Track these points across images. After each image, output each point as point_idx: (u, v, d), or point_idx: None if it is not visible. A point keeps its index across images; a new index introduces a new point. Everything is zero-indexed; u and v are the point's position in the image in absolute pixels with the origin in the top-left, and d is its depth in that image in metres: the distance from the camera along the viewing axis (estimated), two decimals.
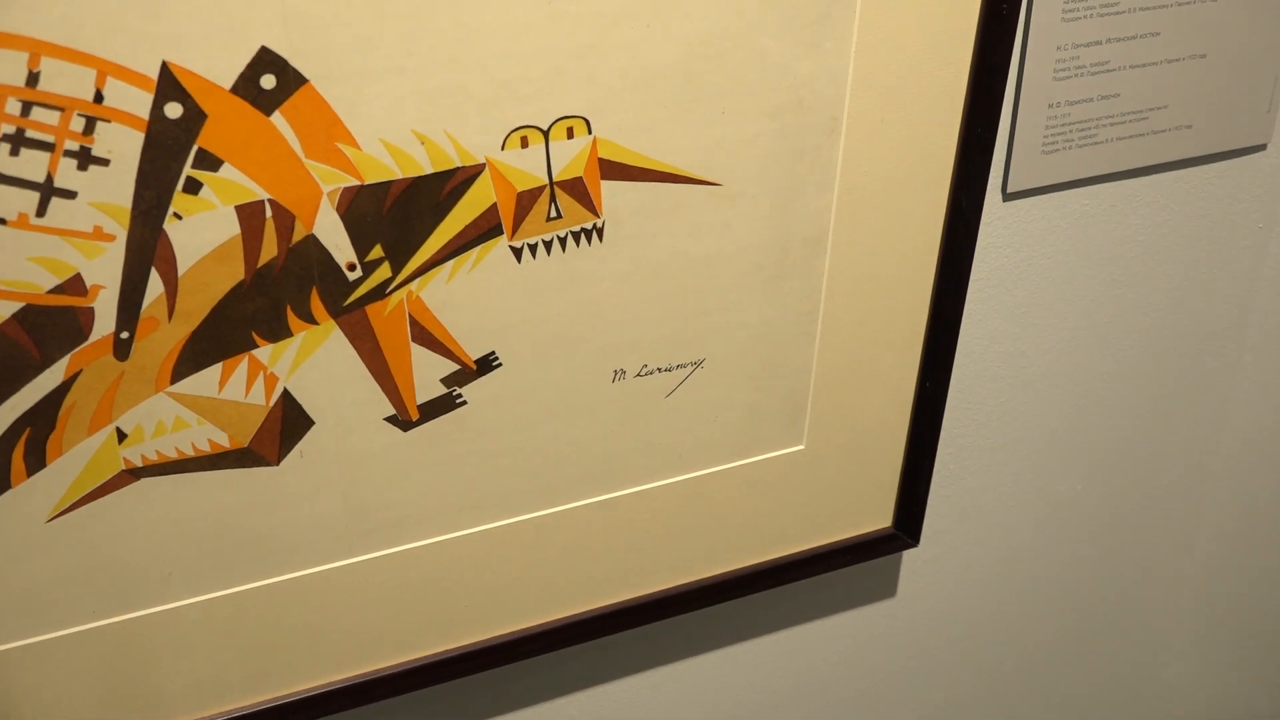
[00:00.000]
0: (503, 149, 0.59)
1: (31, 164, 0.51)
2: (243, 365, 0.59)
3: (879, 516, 0.85)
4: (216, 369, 0.59)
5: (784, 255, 0.69)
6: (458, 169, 0.58)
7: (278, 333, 0.59)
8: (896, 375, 0.78)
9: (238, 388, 0.60)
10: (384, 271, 0.60)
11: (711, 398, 0.73)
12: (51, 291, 0.54)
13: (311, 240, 0.57)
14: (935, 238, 0.74)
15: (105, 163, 0.52)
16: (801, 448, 0.78)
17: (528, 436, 0.69)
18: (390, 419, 0.64)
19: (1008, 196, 0.79)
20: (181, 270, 0.56)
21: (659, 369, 0.70)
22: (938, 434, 0.82)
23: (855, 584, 0.92)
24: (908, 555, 0.93)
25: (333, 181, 0.56)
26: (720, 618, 0.87)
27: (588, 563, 0.76)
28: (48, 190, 0.52)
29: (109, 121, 0.51)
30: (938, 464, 0.89)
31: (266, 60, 0.52)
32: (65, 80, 0.50)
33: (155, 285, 0.56)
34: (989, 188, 0.78)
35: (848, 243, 0.71)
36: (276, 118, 0.54)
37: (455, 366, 0.64)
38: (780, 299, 0.71)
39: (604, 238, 0.64)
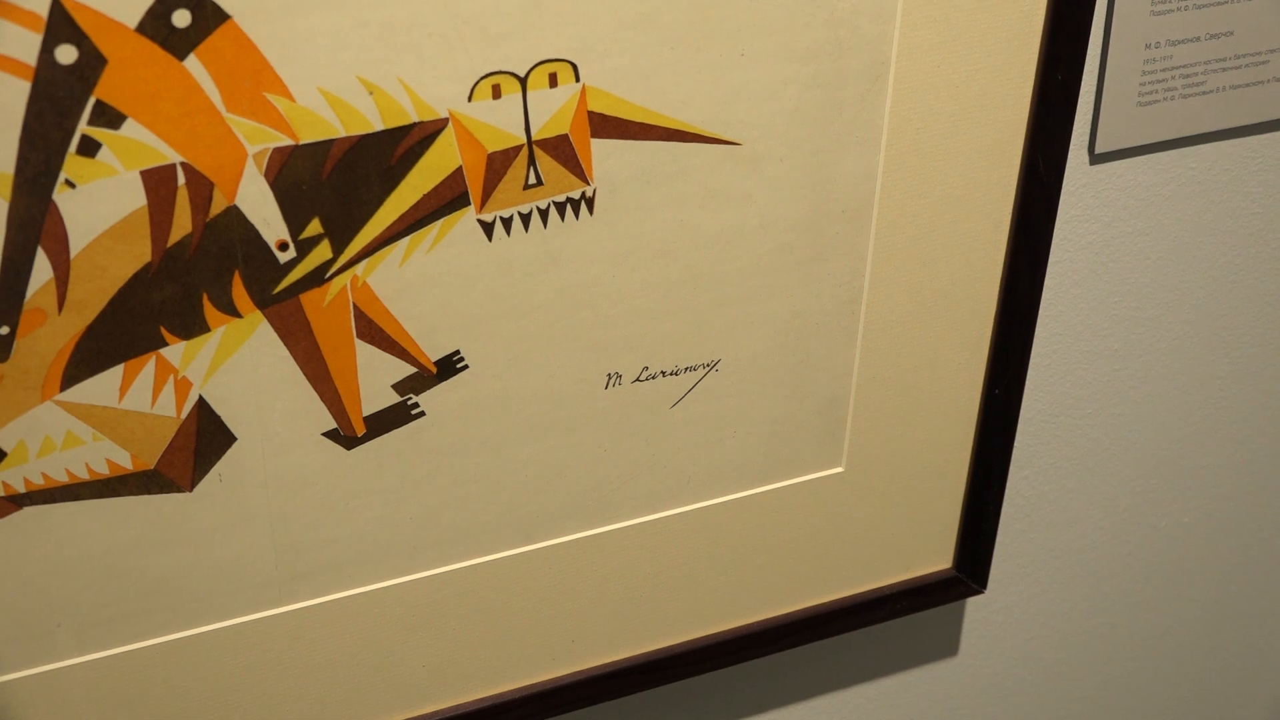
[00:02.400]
0: (470, 100, 0.60)
1: None
2: (148, 368, 0.60)
3: (936, 556, 0.86)
4: (116, 373, 0.60)
5: (818, 232, 0.71)
6: (414, 125, 0.59)
7: (192, 328, 0.60)
8: (958, 381, 0.80)
9: (142, 396, 0.61)
10: (323, 252, 0.61)
11: (728, 409, 0.74)
12: None
13: (234, 213, 0.58)
14: (1006, 210, 0.75)
15: None
16: (840, 471, 0.79)
17: (500, 457, 0.70)
18: (330, 434, 0.65)
19: (1096, 158, 0.80)
20: (74, 251, 0.57)
21: (663, 373, 0.71)
22: (1009, 454, 0.83)
23: (908, 639, 0.93)
24: (972, 604, 0.94)
25: (260, 141, 0.57)
26: (740, 681, 0.88)
27: (574, 614, 0.77)
28: None
29: None
30: (1009, 491, 0.90)
31: None
32: None
33: (42, 269, 0.57)
34: (1072, 148, 0.79)
35: (897, 216, 0.72)
36: (191, 62, 0.55)
37: (411, 369, 0.65)
38: (814, 286, 0.72)
39: (595, 210, 0.65)
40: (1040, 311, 0.83)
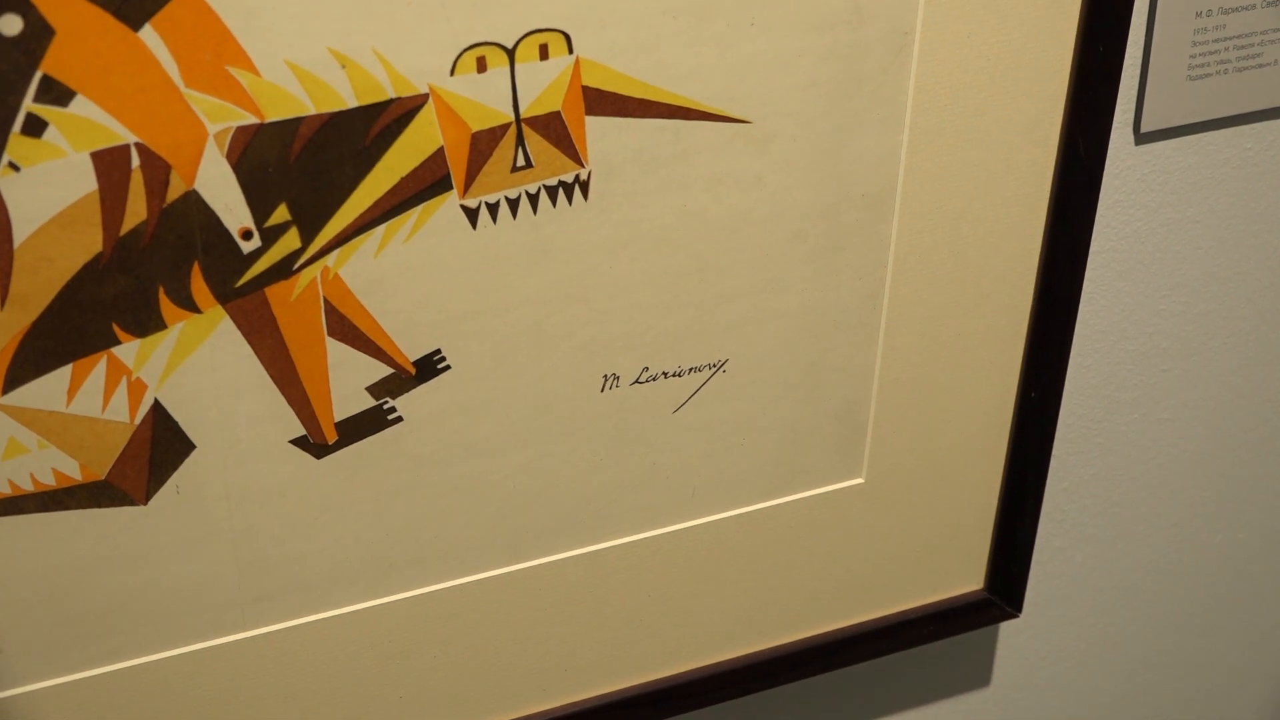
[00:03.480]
0: (452, 74, 0.60)
1: None
2: (99, 369, 0.61)
3: (966, 576, 0.86)
4: (64, 374, 0.60)
5: (836, 218, 0.71)
6: (391, 101, 0.60)
7: (147, 325, 0.61)
8: (990, 382, 0.80)
9: (92, 399, 0.61)
10: (291, 241, 0.61)
11: (736, 414, 0.74)
12: None
13: (193, 199, 0.59)
14: (1043, 195, 0.75)
15: None
16: (860, 481, 0.80)
17: (486, 467, 0.70)
18: (298, 442, 0.66)
19: (1141, 138, 0.81)
20: (18, 240, 0.57)
21: (664, 374, 0.72)
22: (1046, 462, 0.83)
23: (935, 668, 0.93)
24: (1006, 629, 0.94)
25: (222, 119, 0.58)
26: (749, 714, 0.88)
27: (568, 640, 0.77)
28: None
29: None
30: (1046, 505, 0.91)
31: None
32: None
33: None
34: (1116, 126, 0.79)
35: (922, 201, 0.73)
36: (147, 33, 0.55)
37: (387, 370, 0.66)
38: (831, 278, 0.73)
39: (590, 194, 0.65)
40: (1080, 306, 0.83)
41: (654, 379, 0.71)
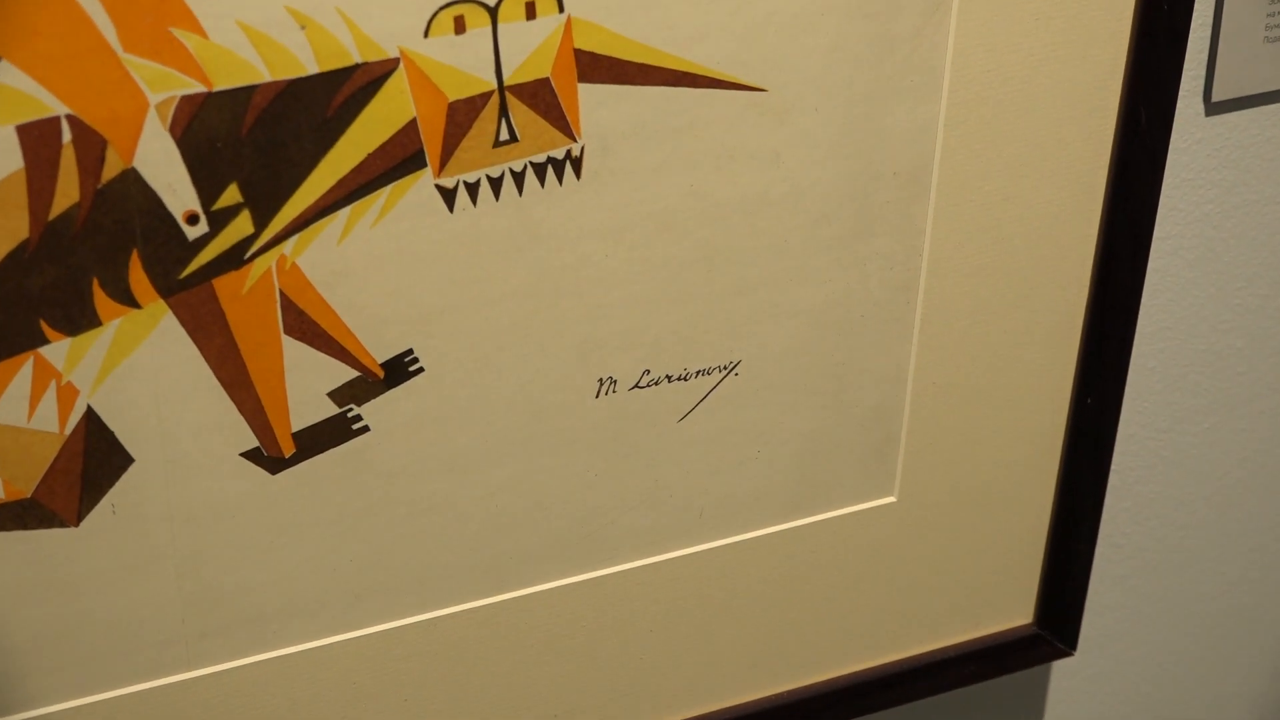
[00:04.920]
0: (426, 36, 0.60)
1: None
2: (24, 372, 0.61)
3: (1014, 609, 0.86)
4: None
5: (864, 200, 0.71)
6: (357, 67, 0.60)
7: (79, 322, 0.61)
8: (1040, 387, 0.80)
9: (17, 406, 0.61)
10: (242, 226, 0.61)
11: (750, 423, 0.75)
12: None
13: (132, 178, 0.59)
14: (1100, 173, 0.76)
15: None
16: (892, 500, 0.80)
17: (464, 483, 0.70)
18: (251, 455, 0.66)
19: (1212, 108, 0.81)
20: None
21: (668, 378, 0.72)
22: (1104, 479, 0.83)
23: (979, 713, 0.93)
24: (1058, 669, 0.94)
25: (165, 87, 0.58)
26: None
27: (559, 681, 0.77)
28: None
29: None
30: (1105, 527, 0.91)
31: None
32: None
33: None
34: (1183, 94, 0.79)
35: (962, 181, 0.73)
36: None
37: (352, 373, 0.66)
38: (857, 268, 0.73)
39: (583, 173, 0.65)
40: (1143, 300, 0.84)
41: (656, 383, 0.71)
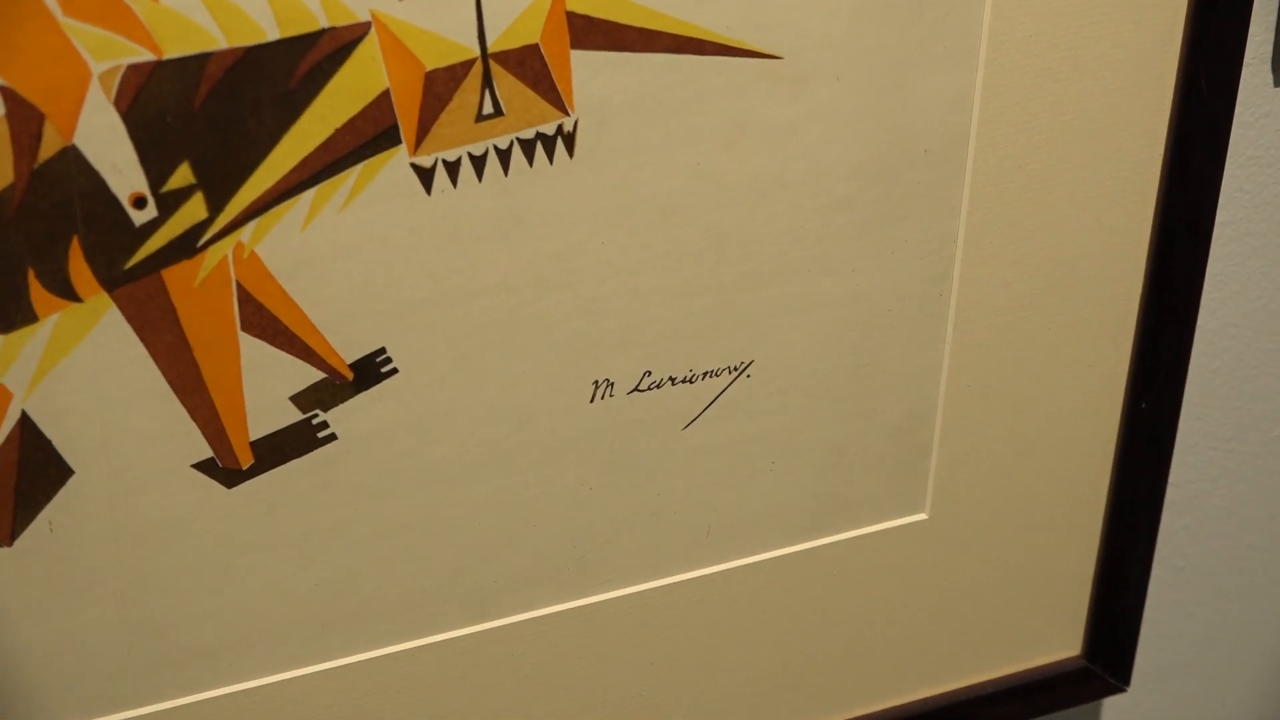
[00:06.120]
0: None
1: None
2: None
3: (1060, 640, 0.86)
4: None
5: (891, 181, 0.71)
6: (323, 32, 0.60)
7: (12, 317, 0.61)
8: (1089, 391, 0.80)
9: None
10: (195, 210, 0.61)
11: (764, 431, 0.75)
12: None
13: (72, 156, 0.59)
14: (1156, 149, 0.76)
15: None
16: (923, 518, 0.80)
17: (442, 499, 0.70)
18: (204, 466, 0.66)
19: None
20: None
21: (671, 380, 0.72)
22: (1161, 495, 0.83)
23: None
24: (1110, 705, 0.94)
25: (109, 55, 0.58)
26: None
27: (550, 716, 0.77)
28: None
29: None
30: (1161, 549, 0.91)
31: None
32: None
33: None
34: (1248, 62, 0.79)
35: (1000, 159, 0.73)
36: None
37: (318, 375, 0.66)
38: (884, 258, 0.73)
39: (576, 150, 0.66)
40: (1204, 293, 0.84)
41: (658, 386, 0.72)
